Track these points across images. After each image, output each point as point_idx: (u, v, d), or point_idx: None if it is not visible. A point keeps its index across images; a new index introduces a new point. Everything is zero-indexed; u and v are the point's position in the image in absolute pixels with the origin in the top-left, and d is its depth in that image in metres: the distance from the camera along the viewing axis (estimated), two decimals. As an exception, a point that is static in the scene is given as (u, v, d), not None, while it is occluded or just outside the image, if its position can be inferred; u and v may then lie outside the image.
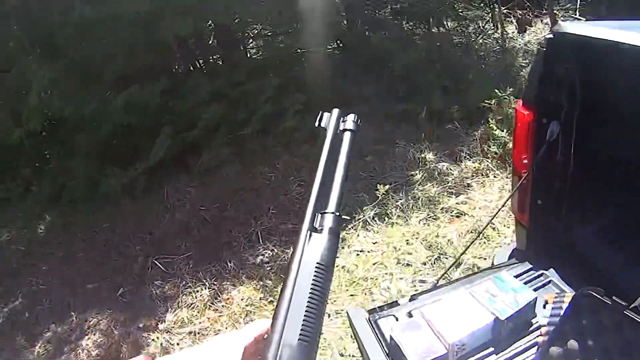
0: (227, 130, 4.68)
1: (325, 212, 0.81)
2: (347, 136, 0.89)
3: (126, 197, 4.64)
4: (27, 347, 3.88)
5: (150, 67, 4.66)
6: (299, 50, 5.51)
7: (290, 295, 0.74)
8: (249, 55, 5.82)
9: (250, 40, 5.86)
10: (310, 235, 0.79)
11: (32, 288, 4.24)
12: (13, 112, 4.69)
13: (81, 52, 4.46)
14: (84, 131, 4.58)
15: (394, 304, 2.23)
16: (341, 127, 0.91)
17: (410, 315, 2.08)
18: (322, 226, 0.80)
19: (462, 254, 3.23)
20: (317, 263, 0.76)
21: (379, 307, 2.25)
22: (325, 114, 0.92)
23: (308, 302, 0.73)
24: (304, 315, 0.72)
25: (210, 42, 5.56)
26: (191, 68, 5.40)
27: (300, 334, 0.70)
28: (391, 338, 1.94)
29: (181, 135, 4.56)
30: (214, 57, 5.63)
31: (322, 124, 0.91)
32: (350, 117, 0.91)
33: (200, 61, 5.44)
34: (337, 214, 0.81)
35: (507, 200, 2.52)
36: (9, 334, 4.02)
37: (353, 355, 3.03)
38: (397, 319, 2.09)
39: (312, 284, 0.74)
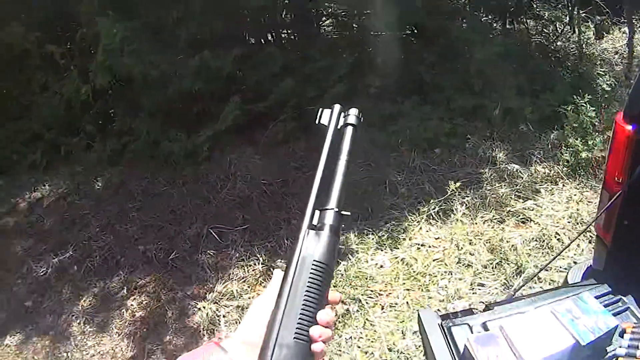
0: (296, 106, 4.53)
1: (326, 209, 0.80)
2: (348, 131, 0.87)
3: (187, 162, 4.55)
4: (72, 300, 3.87)
5: (224, 35, 4.55)
6: (374, 33, 5.31)
7: (287, 294, 0.74)
8: (322, 33, 5.65)
9: (324, 18, 5.68)
10: (309, 232, 0.78)
11: (83, 242, 4.21)
12: (82, 69, 4.72)
13: (155, 14, 4.41)
14: (151, 92, 4.51)
15: (469, 311, 2.13)
16: (342, 122, 0.88)
17: (485, 327, 1.94)
18: (323, 223, 0.79)
19: (541, 270, 3.06)
20: (315, 261, 0.76)
21: (452, 313, 2.14)
22: (326, 111, 0.89)
23: (304, 300, 0.73)
24: (300, 314, 0.73)
25: (284, 15, 5.42)
26: (263, 41, 5.27)
27: (295, 333, 0.71)
28: (465, 348, 1.80)
29: (249, 106, 4.44)
30: (288, 31, 5.48)
31: (322, 121, 0.89)
32: (353, 112, 0.88)
33: (274, 34, 5.30)
34: (338, 210, 0.80)
35: (599, 216, 2.31)
36: (55, 285, 4.02)
37: (402, 352, 2.92)
38: (471, 329, 1.95)
39: (308, 283, 0.74)
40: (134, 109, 4.69)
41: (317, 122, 0.89)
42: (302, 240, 0.78)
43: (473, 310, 2.13)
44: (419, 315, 2.12)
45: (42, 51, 4.91)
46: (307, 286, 0.74)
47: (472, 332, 1.91)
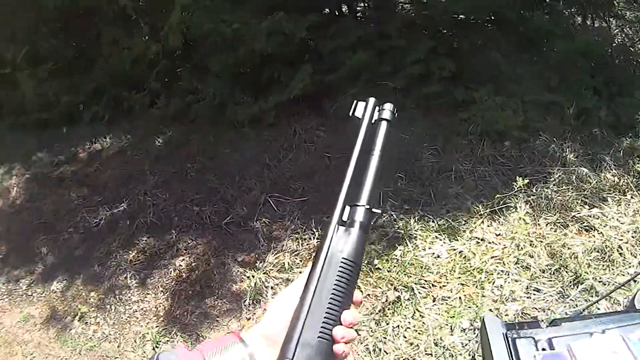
0: (367, 81, 4.34)
1: (357, 205, 0.78)
2: (383, 126, 0.85)
3: (251, 127, 4.45)
4: (121, 254, 3.87)
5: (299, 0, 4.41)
6: (453, 15, 5.08)
7: (313, 291, 0.72)
8: (398, 10, 5.44)
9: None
10: (339, 228, 0.77)
11: (138, 198, 4.20)
12: (153, 27, 4.70)
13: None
14: (220, 54, 4.42)
15: (535, 324, 1.95)
16: (376, 116, 0.85)
17: (551, 344, 1.77)
18: (352, 220, 0.77)
19: (613, 291, 2.82)
20: (344, 258, 0.74)
21: (518, 323, 2.04)
22: (360, 103, 0.87)
23: (330, 299, 0.72)
24: (326, 313, 0.71)
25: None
26: (337, 12, 5.10)
27: (320, 332, 0.70)
28: (531, 365, 1.68)
29: (320, 76, 4.28)
30: (363, 4, 5.30)
31: (357, 114, 0.86)
32: (388, 107, 0.86)
33: (348, 5, 5.14)
34: (368, 207, 0.78)
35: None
36: (106, 237, 4.02)
37: (447, 348, 2.80)
38: (536, 344, 1.78)
39: (336, 281, 0.73)
40: (201, 69, 4.62)
41: (351, 114, 0.87)
42: (332, 235, 0.76)
43: (539, 322, 1.97)
44: (483, 320, 1.98)
45: (114, 7, 4.88)
46: (335, 284, 0.73)
47: (537, 348, 1.77)
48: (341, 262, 0.74)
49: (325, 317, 0.71)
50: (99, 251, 3.96)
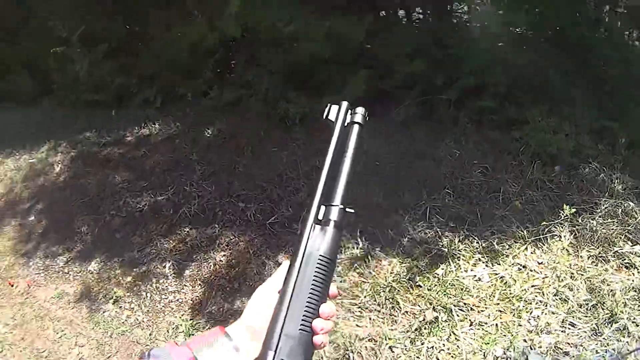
0: (423, 91, 4.30)
1: (331, 205, 0.82)
2: (355, 129, 0.89)
3: (302, 126, 4.44)
4: (162, 242, 3.88)
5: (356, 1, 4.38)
6: (513, 29, 4.97)
7: (293, 286, 0.77)
8: (456, 20, 5.35)
9: (461, 4, 5.37)
10: (315, 227, 0.81)
11: (184, 188, 4.22)
12: (210, 18, 4.65)
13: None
14: (276, 49, 4.41)
15: None
16: (349, 120, 0.90)
17: None
18: (328, 219, 0.81)
19: None
20: (321, 256, 0.78)
21: None
22: (334, 107, 0.91)
23: (310, 294, 0.76)
24: (305, 307, 0.76)
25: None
26: (392, 15, 5.04)
27: (301, 325, 0.75)
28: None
29: (375, 81, 4.25)
30: (420, 10, 5.23)
31: (330, 117, 0.90)
32: (360, 110, 0.90)
33: (408, 11, 5.07)
34: (342, 207, 0.82)
35: None
36: (148, 223, 4.05)
37: None
38: None
39: (314, 276, 0.77)
40: (256, 63, 4.62)
41: (324, 117, 0.91)
42: (309, 234, 0.80)
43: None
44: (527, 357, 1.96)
45: None
46: (313, 280, 0.77)
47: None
48: (318, 259, 0.78)
49: (305, 311, 0.75)
50: (139, 236, 3.98)
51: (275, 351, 0.73)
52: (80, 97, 5.52)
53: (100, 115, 5.40)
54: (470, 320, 3.04)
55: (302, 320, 0.75)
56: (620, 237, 3.57)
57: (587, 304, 3.09)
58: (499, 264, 3.38)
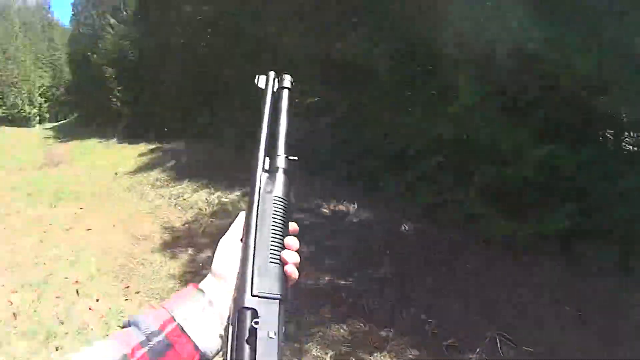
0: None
1: (277, 155, 0.87)
2: (285, 93, 0.95)
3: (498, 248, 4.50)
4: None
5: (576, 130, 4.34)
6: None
7: (255, 224, 0.80)
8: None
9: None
10: (263, 175, 0.85)
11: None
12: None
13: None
14: (487, 165, 4.57)
15: None
16: (277, 86, 0.95)
17: None
18: (275, 167, 0.86)
19: None
20: (275, 196, 0.83)
21: None
22: (262, 77, 0.96)
23: (272, 228, 0.80)
24: (271, 240, 0.79)
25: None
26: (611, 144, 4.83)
27: (270, 257, 0.77)
28: None
29: (580, 217, 4.09)
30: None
31: (260, 85, 0.96)
32: (287, 77, 0.96)
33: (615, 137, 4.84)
34: (286, 155, 0.87)
35: None
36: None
37: None
38: None
39: (273, 213, 0.81)
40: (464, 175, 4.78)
41: (257, 84, 0.96)
42: (259, 181, 0.84)
43: None
44: None
45: (395, 76, 5.25)
46: (272, 215, 0.81)
47: None
48: (274, 199, 0.82)
49: (271, 244, 0.78)
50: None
51: (252, 287, 0.75)
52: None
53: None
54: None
55: (270, 252, 0.78)
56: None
57: None
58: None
